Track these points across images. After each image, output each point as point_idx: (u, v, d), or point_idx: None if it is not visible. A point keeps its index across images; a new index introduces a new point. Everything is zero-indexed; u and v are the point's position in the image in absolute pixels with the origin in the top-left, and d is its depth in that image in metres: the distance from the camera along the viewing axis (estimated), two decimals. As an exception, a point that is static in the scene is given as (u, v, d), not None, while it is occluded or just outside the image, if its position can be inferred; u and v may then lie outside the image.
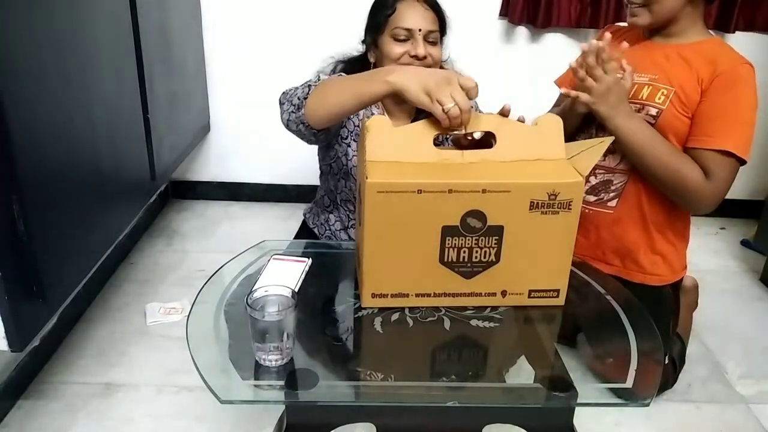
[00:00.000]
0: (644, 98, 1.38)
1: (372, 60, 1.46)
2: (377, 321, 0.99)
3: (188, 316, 0.98)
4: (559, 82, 1.59)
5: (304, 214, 1.64)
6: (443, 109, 0.94)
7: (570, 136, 1.28)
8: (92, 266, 1.48)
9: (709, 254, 2.36)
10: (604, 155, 1.40)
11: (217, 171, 2.60)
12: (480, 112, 0.99)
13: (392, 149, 0.96)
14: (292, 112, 1.19)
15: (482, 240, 0.96)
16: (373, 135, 0.95)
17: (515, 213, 0.95)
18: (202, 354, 0.89)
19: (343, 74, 1.38)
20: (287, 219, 2.44)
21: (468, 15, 2.17)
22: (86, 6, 1.38)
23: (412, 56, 1.36)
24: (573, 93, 1.31)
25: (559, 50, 2.34)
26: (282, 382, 0.84)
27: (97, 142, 1.45)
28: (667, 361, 1.52)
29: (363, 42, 1.49)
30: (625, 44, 1.30)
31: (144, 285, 1.95)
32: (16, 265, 1.13)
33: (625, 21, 1.46)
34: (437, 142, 1.02)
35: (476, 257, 0.97)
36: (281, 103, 1.24)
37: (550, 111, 1.55)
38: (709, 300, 1.88)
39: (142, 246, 2.20)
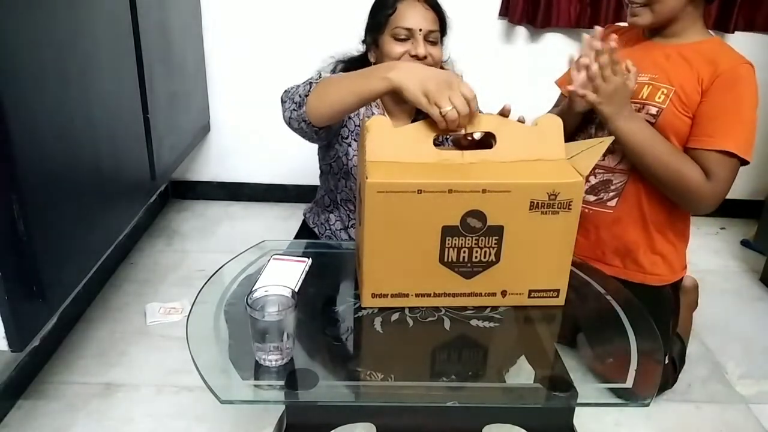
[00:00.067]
0: (644, 98, 1.38)
1: (372, 60, 1.46)
2: (377, 321, 0.99)
3: (188, 316, 0.98)
4: (559, 83, 1.59)
5: (305, 214, 1.64)
6: (440, 112, 0.94)
7: (569, 135, 1.28)
8: (92, 266, 1.48)
9: (709, 254, 2.36)
10: (604, 155, 1.40)
11: (217, 171, 2.60)
12: (480, 112, 0.99)
13: (392, 149, 0.96)
14: (294, 109, 1.19)
15: (482, 240, 0.96)
16: (373, 135, 0.95)
17: (515, 213, 0.95)
18: (202, 354, 0.89)
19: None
20: (287, 219, 2.44)
21: (468, 15, 2.17)
22: (86, 6, 1.38)
23: (412, 56, 1.36)
24: (581, 91, 1.30)
25: (559, 50, 2.34)
26: (282, 382, 0.85)
27: (97, 142, 1.45)
28: (667, 361, 1.52)
29: (363, 42, 1.49)
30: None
31: (144, 285, 1.95)
32: (16, 265, 1.13)
33: (625, 21, 1.46)
34: (437, 143, 1.02)
35: (476, 257, 0.97)
36: (283, 101, 1.24)
37: (549, 111, 1.55)
38: (709, 300, 1.88)
39: (142, 246, 2.20)
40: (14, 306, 1.12)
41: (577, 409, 0.94)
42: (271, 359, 0.86)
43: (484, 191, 0.93)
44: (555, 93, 1.58)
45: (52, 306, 1.27)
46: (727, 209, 2.05)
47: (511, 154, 0.99)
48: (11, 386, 1.44)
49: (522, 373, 0.96)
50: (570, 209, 0.96)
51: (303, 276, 1.09)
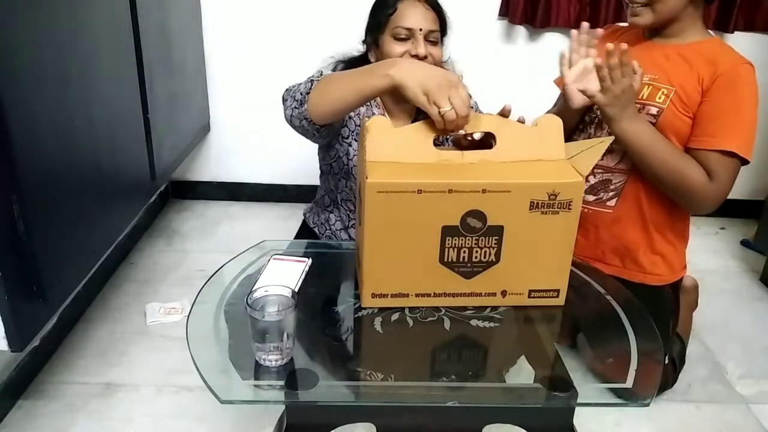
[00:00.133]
0: (644, 98, 1.38)
1: (372, 60, 1.46)
2: (377, 321, 0.99)
3: (188, 316, 0.98)
4: (557, 82, 1.59)
5: (305, 214, 1.64)
6: (439, 112, 0.94)
7: (567, 133, 1.28)
8: (92, 266, 1.48)
9: (709, 254, 2.36)
10: (603, 155, 1.40)
11: (217, 171, 2.60)
12: (480, 112, 0.99)
13: (392, 149, 0.96)
14: (295, 107, 1.19)
15: (482, 240, 0.96)
16: (373, 135, 0.95)
17: (515, 213, 0.95)
18: (202, 354, 0.89)
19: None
20: (287, 219, 2.44)
21: (468, 15, 2.17)
22: (86, 6, 1.38)
23: (412, 56, 1.36)
24: (590, 91, 1.30)
25: (559, 50, 2.34)
26: (282, 382, 0.84)
27: (97, 142, 1.45)
28: (667, 361, 1.52)
29: (363, 42, 1.49)
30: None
31: (144, 285, 1.95)
32: (16, 265, 1.13)
33: (624, 21, 1.46)
34: (437, 143, 1.02)
35: (476, 257, 0.97)
36: (284, 100, 1.24)
37: (548, 111, 1.55)
38: (709, 300, 1.88)
39: (142, 246, 2.20)
40: (14, 306, 1.12)
41: (577, 409, 0.93)
42: (271, 359, 0.86)
43: (484, 191, 0.93)
44: (555, 93, 1.58)
45: (52, 306, 1.27)
46: (727, 209, 2.05)
47: (511, 154, 0.99)
48: (11, 386, 1.44)
49: (522, 373, 0.96)
50: (570, 209, 0.96)
51: (303, 276, 1.09)
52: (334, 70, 1.50)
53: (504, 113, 1.05)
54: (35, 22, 1.17)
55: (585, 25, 1.33)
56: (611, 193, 1.46)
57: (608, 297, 1.11)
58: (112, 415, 1.43)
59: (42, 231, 1.18)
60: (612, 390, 0.89)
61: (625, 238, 1.48)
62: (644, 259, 1.48)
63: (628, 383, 0.89)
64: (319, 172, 1.57)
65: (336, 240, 1.51)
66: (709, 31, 1.45)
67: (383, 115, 1.45)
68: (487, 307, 1.02)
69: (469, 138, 1.07)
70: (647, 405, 0.87)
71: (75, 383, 1.52)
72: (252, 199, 2.62)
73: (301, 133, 1.26)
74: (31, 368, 1.52)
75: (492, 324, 0.99)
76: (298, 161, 2.39)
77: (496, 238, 0.96)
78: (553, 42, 2.37)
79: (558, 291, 1.02)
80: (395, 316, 0.99)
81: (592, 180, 1.48)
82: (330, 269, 1.20)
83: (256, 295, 0.88)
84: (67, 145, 1.31)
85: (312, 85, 1.16)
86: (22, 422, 1.40)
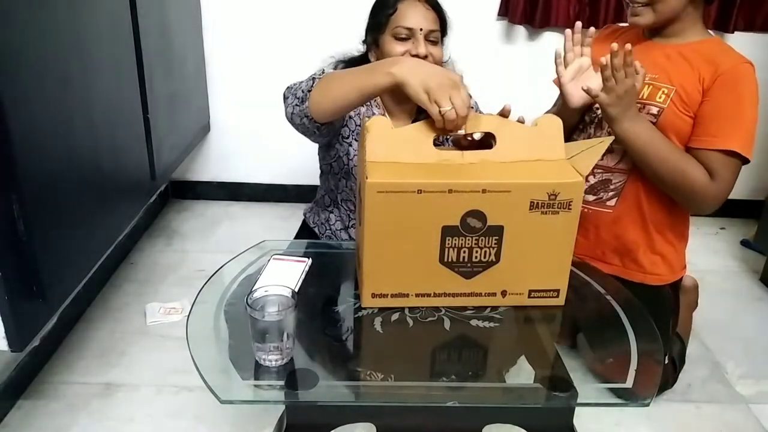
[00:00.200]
0: (645, 97, 1.38)
1: (373, 59, 1.45)
2: (377, 321, 0.99)
3: (188, 316, 0.98)
4: (557, 81, 1.59)
5: (305, 214, 1.64)
6: (440, 111, 0.94)
7: (566, 132, 1.28)
8: (92, 266, 1.48)
9: (709, 254, 2.36)
10: (603, 154, 1.40)
11: (217, 171, 2.60)
12: (480, 112, 0.99)
13: (392, 149, 0.96)
14: (296, 105, 1.19)
15: (482, 240, 0.96)
16: (374, 135, 0.95)
17: (515, 213, 0.95)
18: (202, 354, 0.89)
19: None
20: (287, 219, 2.44)
21: (468, 15, 2.17)
22: (86, 6, 1.38)
23: (413, 55, 1.36)
24: (593, 91, 1.30)
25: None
26: (282, 382, 0.85)
27: (97, 142, 1.45)
28: (667, 361, 1.52)
29: (364, 41, 1.49)
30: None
31: (144, 285, 1.95)
32: (16, 265, 1.13)
33: (625, 21, 1.46)
34: (437, 143, 1.02)
35: (476, 257, 0.97)
36: (285, 98, 1.24)
37: (548, 111, 1.55)
38: (709, 300, 1.87)
39: (142, 246, 2.20)
40: (14, 306, 1.12)
41: (577, 409, 0.94)
42: (271, 359, 0.86)
43: (484, 191, 0.93)
44: (555, 93, 1.58)
45: (52, 306, 1.27)
46: (727, 209, 2.04)
47: (511, 155, 0.99)
48: (11, 386, 1.44)
49: (522, 373, 0.96)
50: (570, 209, 0.96)
51: (303, 276, 1.09)
52: (334, 69, 1.50)
53: (504, 113, 1.05)
54: (35, 22, 1.17)
55: (578, 24, 1.35)
56: (611, 193, 1.46)
57: (608, 297, 1.11)
58: (112, 415, 1.43)
59: (42, 231, 1.18)
60: (612, 390, 0.89)
61: (625, 238, 1.48)
62: (644, 258, 1.48)
63: (628, 383, 0.89)
64: (319, 171, 1.57)
65: (336, 240, 1.51)
66: (709, 31, 1.45)
67: (383, 115, 1.45)
68: (487, 307, 1.02)
69: (469, 138, 1.07)
70: (647, 405, 0.87)
71: (75, 383, 1.52)
72: (252, 199, 2.62)
73: (301, 132, 1.26)
74: (31, 368, 1.52)
75: (492, 324, 0.99)
76: (298, 161, 2.39)
77: (496, 238, 0.96)
78: (553, 42, 2.37)
79: (558, 291, 1.02)
80: (395, 316, 0.99)
81: (592, 180, 1.48)
82: (330, 269, 1.20)
83: (256, 295, 0.88)
84: (67, 145, 1.31)
85: (314, 82, 1.16)
86: (22, 422, 1.40)
